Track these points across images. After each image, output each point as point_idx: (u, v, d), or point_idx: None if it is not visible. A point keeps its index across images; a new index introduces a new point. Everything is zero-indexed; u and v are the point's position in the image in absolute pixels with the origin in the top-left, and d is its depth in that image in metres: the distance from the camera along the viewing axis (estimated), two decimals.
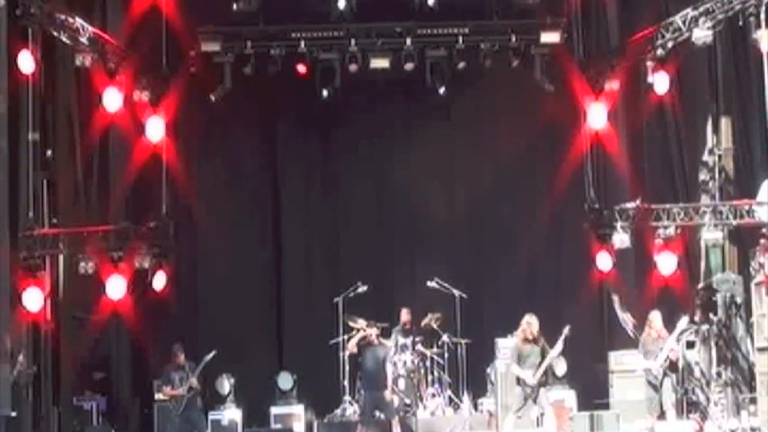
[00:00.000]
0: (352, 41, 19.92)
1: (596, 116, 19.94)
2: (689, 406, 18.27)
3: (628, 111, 20.62)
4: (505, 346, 18.25)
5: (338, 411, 19.39)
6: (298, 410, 19.46)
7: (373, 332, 17.39)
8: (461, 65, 20.11)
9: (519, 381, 16.06)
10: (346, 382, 19.56)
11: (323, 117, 21.50)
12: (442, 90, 20.43)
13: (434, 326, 19.76)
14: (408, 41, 19.90)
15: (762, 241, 17.60)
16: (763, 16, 17.48)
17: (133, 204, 20.23)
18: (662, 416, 17.04)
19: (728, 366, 18.15)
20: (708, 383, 18.48)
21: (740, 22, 18.12)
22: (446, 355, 19.74)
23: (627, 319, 20.05)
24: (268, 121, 21.89)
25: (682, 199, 20.01)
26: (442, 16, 19.77)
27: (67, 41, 18.28)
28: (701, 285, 19.38)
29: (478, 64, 20.12)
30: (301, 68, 20.15)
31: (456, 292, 19.84)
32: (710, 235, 19.25)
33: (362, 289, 19.69)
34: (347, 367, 19.49)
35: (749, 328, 17.98)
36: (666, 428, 16.96)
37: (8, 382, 16.35)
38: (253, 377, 20.06)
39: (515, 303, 20.30)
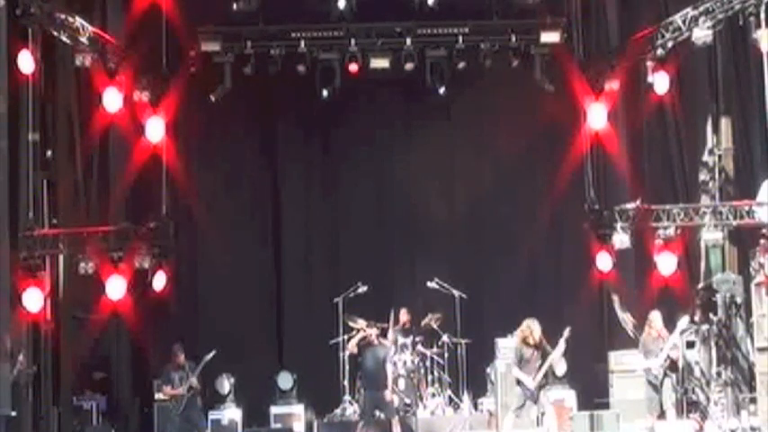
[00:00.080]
0: (352, 41, 19.91)
1: (596, 116, 19.95)
2: (689, 406, 18.26)
3: (628, 111, 20.62)
4: (505, 346, 18.27)
5: (338, 411, 19.40)
6: (298, 410, 19.45)
7: (373, 332, 17.40)
8: (461, 65, 20.11)
9: (519, 382, 16.08)
10: (346, 382, 19.56)
11: (323, 117, 21.50)
12: (442, 90, 20.43)
13: (434, 326, 19.76)
14: (408, 41, 19.90)
15: (762, 241, 17.60)
16: (763, 16, 17.48)
17: (133, 204, 20.22)
18: (662, 415, 17.05)
19: (728, 366, 18.15)
20: (708, 383, 18.48)
21: (740, 22, 18.12)
22: (446, 355, 19.74)
23: (627, 319, 20.05)
24: (268, 121, 21.88)
25: (682, 199, 20.02)
26: (442, 16, 19.77)
27: (67, 41, 18.28)
28: (700, 285, 19.39)
29: (478, 64, 20.11)
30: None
31: (456, 293, 19.84)
32: (710, 235, 19.27)
33: (362, 289, 19.69)
34: (347, 367, 19.49)
35: (749, 328, 17.98)
36: (666, 428, 16.97)
37: (8, 381, 16.35)
38: (253, 377, 20.06)
39: (515, 303, 20.41)
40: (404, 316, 19.62)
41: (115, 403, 19.67)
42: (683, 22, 18.78)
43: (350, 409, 19.24)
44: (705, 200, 19.80)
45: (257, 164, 21.87)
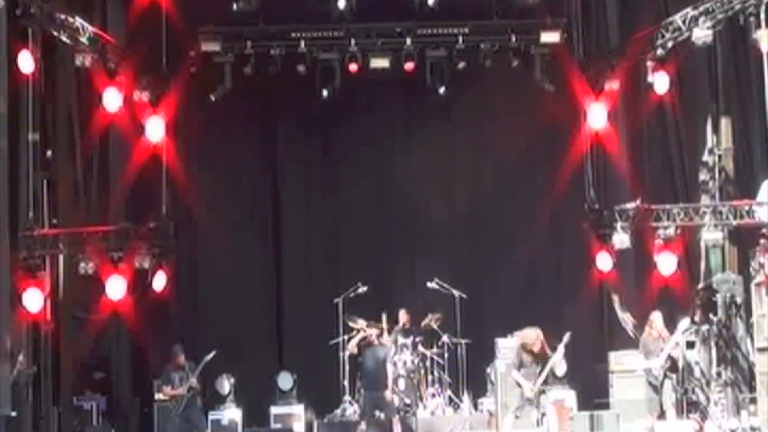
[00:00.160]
0: (352, 41, 19.91)
1: (596, 116, 19.95)
2: (689, 406, 18.25)
3: (628, 111, 20.62)
4: (505, 346, 18.30)
5: (338, 411, 19.39)
6: (298, 410, 19.44)
7: (374, 332, 17.39)
8: (461, 65, 20.11)
9: (518, 383, 16.09)
10: (346, 382, 19.56)
11: (323, 117, 21.50)
12: (442, 90, 20.43)
13: (434, 326, 19.75)
14: (408, 41, 19.90)
15: (762, 241, 17.60)
16: (763, 16, 17.49)
17: (133, 204, 20.23)
18: (662, 416, 17.04)
19: (728, 366, 18.14)
20: (708, 383, 18.47)
21: (740, 22, 18.12)
22: (446, 355, 19.73)
23: (627, 319, 20.05)
24: (268, 121, 21.88)
25: (682, 199, 20.02)
26: (442, 16, 19.76)
27: (67, 41, 18.28)
28: (701, 285, 19.37)
29: (478, 64, 20.11)
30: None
31: (456, 293, 19.84)
32: (710, 235, 19.27)
33: (362, 289, 19.69)
34: (347, 367, 19.49)
35: (749, 328, 17.98)
36: (666, 428, 16.97)
37: (8, 382, 16.34)
38: (253, 377, 20.05)
39: (515, 303, 20.43)
40: (403, 316, 19.62)
41: (115, 403, 19.68)
42: (683, 22, 18.78)
43: (350, 409, 19.23)
44: (705, 200, 19.80)
45: (257, 164, 21.87)
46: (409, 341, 19.38)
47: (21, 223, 17.40)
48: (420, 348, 19.54)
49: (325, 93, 20.39)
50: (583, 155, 20.32)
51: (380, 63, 20.18)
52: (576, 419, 17.90)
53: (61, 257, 18.70)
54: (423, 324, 19.72)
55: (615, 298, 20.34)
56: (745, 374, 18.19)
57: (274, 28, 19.94)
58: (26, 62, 17.17)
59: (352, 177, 21.75)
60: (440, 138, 21.78)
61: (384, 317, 19.04)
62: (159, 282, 19.51)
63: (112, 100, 18.91)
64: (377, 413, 17.26)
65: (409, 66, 19.98)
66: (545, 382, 16.19)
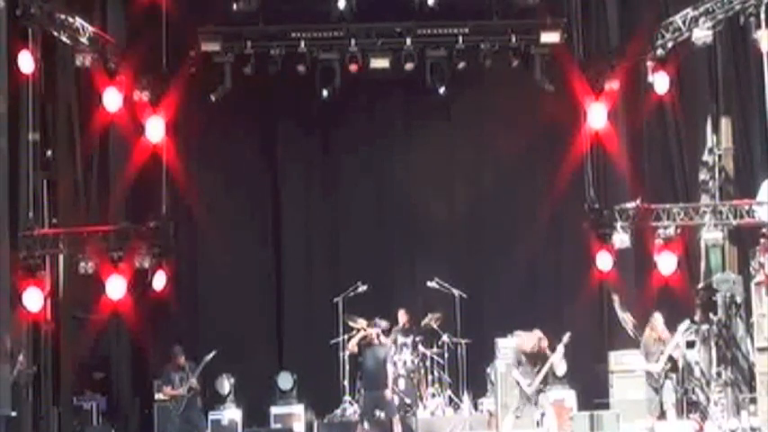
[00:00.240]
0: (352, 41, 19.90)
1: (596, 116, 19.94)
2: (689, 406, 18.27)
3: (628, 111, 20.61)
4: (505, 346, 18.27)
5: (338, 411, 19.39)
6: (298, 410, 19.45)
7: (374, 332, 17.39)
8: (461, 65, 20.09)
9: (518, 382, 16.10)
10: (346, 382, 19.56)
11: (323, 117, 21.50)
12: (442, 90, 20.41)
13: (434, 326, 19.76)
14: (408, 41, 19.89)
15: (762, 241, 17.60)
16: (763, 16, 17.49)
17: (133, 204, 20.23)
18: (662, 416, 17.04)
19: (728, 366, 18.16)
20: (708, 383, 18.48)
21: (740, 22, 18.12)
22: (446, 355, 19.73)
23: (627, 319, 20.05)
24: (268, 121, 21.88)
25: (682, 199, 20.02)
26: (442, 16, 19.76)
27: (67, 41, 18.29)
28: (701, 285, 19.39)
29: (478, 64, 20.10)
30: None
31: (456, 292, 19.84)
32: (710, 235, 19.27)
33: (362, 289, 19.70)
34: (347, 367, 19.49)
35: (749, 328, 17.98)
36: (666, 428, 16.96)
37: (8, 382, 16.34)
38: (253, 377, 20.06)
39: (515, 303, 20.44)
40: (402, 317, 19.62)
41: (115, 403, 19.68)
42: (683, 22, 18.78)
43: (350, 409, 19.23)
44: (705, 199, 19.80)
45: (257, 164, 21.87)
46: (409, 341, 19.39)
47: (21, 223, 17.40)
48: (420, 348, 19.54)
49: (325, 93, 20.39)
50: (583, 155, 20.32)
51: (380, 63, 20.17)
52: (575, 419, 17.90)
53: (61, 257, 18.71)
54: (423, 324, 19.73)
55: (615, 298, 20.34)
56: (745, 374, 18.20)
57: (274, 28, 19.94)
58: (26, 62, 17.17)
59: (352, 177, 21.75)
60: (440, 138, 21.78)
61: (383, 323, 19.02)
62: (159, 282, 19.50)
63: (112, 100, 18.91)
64: (377, 413, 17.26)
65: (409, 66, 19.97)
66: (545, 382, 16.21)
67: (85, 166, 19.67)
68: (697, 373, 18.68)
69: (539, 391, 15.97)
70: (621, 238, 19.44)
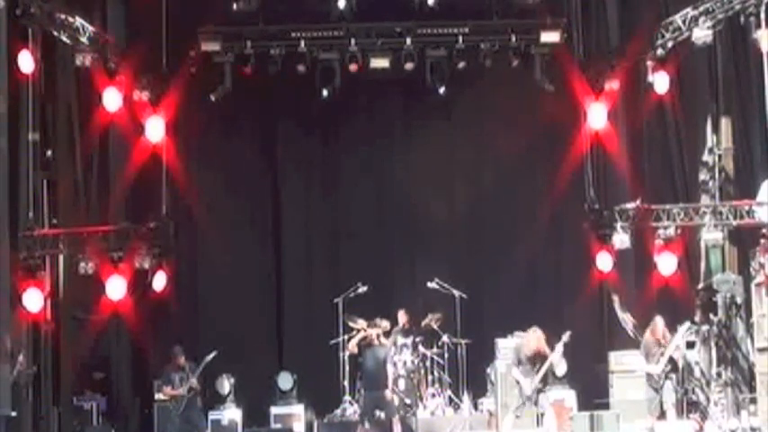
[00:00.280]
0: (352, 41, 19.91)
1: (596, 116, 19.95)
2: (689, 406, 18.26)
3: (628, 111, 20.61)
4: (505, 346, 18.30)
5: (338, 411, 19.40)
6: (298, 410, 19.45)
7: (375, 332, 17.39)
8: (461, 65, 20.10)
9: (518, 382, 16.11)
10: (346, 382, 19.57)
11: (323, 117, 21.50)
12: (442, 90, 20.42)
13: (434, 326, 19.75)
14: (408, 41, 19.89)
15: (762, 241, 17.59)
16: (763, 16, 17.48)
17: (133, 204, 20.23)
18: (662, 416, 17.04)
19: (728, 366, 18.16)
20: (708, 383, 18.48)
21: (740, 22, 18.12)
22: (446, 355, 19.73)
23: (627, 319, 20.04)
24: (268, 121, 21.88)
25: (682, 199, 20.02)
26: (442, 16, 19.77)
27: (67, 41, 18.28)
28: (701, 286, 19.39)
29: (478, 64, 20.11)
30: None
31: (456, 293, 19.84)
32: (710, 235, 19.27)
33: (362, 289, 19.69)
34: (347, 367, 19.49)
35: (749, 328, 17.99)
36: (666, 428, 16.95)
37: (8, 382, 16.33)
38: (253, 377, 20.06)
39: (515, 303, 20.43)
40: (402, 317, 19.62)
41: (115, 403, 19.68)
42: (683, 22, 18.78)
43: (350, 409, 19.24)
44: (705, 200, 19.80)
45: (257, 164, 21.86)
46: (409, 341, 19.38)
47: (21, 223, 17.39)
48: (420, 348, 19.54)
49: (325, 93, 20.39)
50: (583, 155, 20.33)
51: (380, 63, 20.18)
52: (575, 419, 17.91)
53: (61, 257, 18.70)
54: (423, 324, 19.73)
55: (615, 298, 20.33)
56: (745, 374, 18.20)
57: (274, 28, 19.94)
58: (26, 62, 17.17)
59: (352, 177, 21.75)
60: (440, 138, 21.77)
61: (384, 323, 19.02)
62: (159, 282, 19.52)
63: (112, 100, 18.91)
64: (377, 413, 17.25)
65: (409, 66, 19.97)
66: (545, 382, 16.21)
67: (85, 166, 19.67)
68: (697, 373, 18.68)
69: (538, 391, 15.97)
70: (621, 239, 19.45)
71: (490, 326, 19.85)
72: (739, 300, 18.18)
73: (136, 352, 20.26)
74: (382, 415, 17.22)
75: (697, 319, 18.84)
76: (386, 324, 18.17)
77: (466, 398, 19.51)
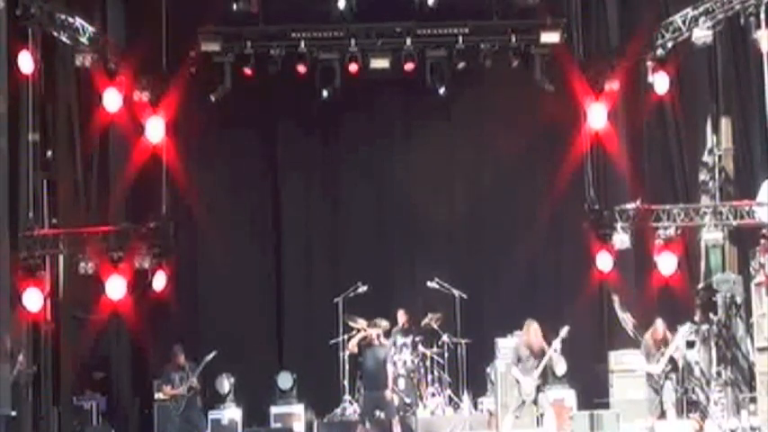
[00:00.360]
0: (352, 41, 19.92)
1: (596, 116, 19.96)
2: (689, 405, 18.26)
3: (628, 111, 20.62)
4: (505, 346, 18.31)
5: (338, 411, 19.40)
6: (298, 410, 19.45)
7: (374, 332, 17.39)
8: (461, 65, 20.11)
9: (518, 381, 16.11)
10: (346, 382, 19.57)
11: (323, 117, 21.50)
12: (442, 90, 20.43)
13: (434, 326, 19.76)
14: (408, 41, 19.90)
15: (762, 242, 17.59)
16: (763, 16, 17.45)
17: (133, 204, 20.25)
18: (662, 415, 17.04)
19: (728, 366, 18.17)
20: (708, 383, 18.49)
21: (740, 22, 18.12)
22: (446, 355, 19.73)
23: (627, 319, 20.05)
24: (268, 122, 21.88)
25: (682, 199, 20.01)
26: (442, 16, 19.77)
27: (67, 41, 18.28)
28: (701, 285, 19.39)
29: (478, 64, 20.11)
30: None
31: (456, 293, 19.84)
32: (711, 235, 19.27)
33: (362, 289, 19.69)
34: (347, 367, 19.50)
35: (749, 328, 17.99)
36: (666, 428, 16.95)
37: (8, 382, 16.33)
38: (253, 377, 20.06)
39: (515, 303, 20.42)
40: (401, 317, 19.62)
41: (115, 403, 19.68)
42: (683, 22, 18.77)
43: (350, 409, 19.24)
44: (705, 200, 19.79)
45: (257, 164, 21.88)
46: (409, 341, 19.39)
47: (21, 223, 17.39)
48: (420, 348, 19.54)
49: (325, 93, 20.40)
50: (583, 155, 20.34)
51: (380, 63, 20.19)
52: (575, 419, 17.91)
53: (61, 257, 18.70)
54: (423, 324, 19.73)
55: (615, 298, 20.34)
56: (745, 374, 18.21)
57: (274, 28, 19.95)
58: (26, 62, 17.16)
59: (352, 177, 21.76)
60: (440, 138, 21.78)
61: (384, 323, 19.02)
62: (159, 282, 19.52)
63: (112, 100, 18.91)
64: (377, 413, 17.25)
65: (409, 66, 19.97)
66: (544, 381, 16.19)
67: (85, 166, 19.67)
68: (697, 372, 18.68)
69: (538, 389, 15.95)
70: (621, 239, 19.45)
71: (490, 326, 19.86)
72: (739, 299, 18.19)
73: (136, 352, 20.27)
74: (382, 415, 17.22)
75: (697, 318, 18.85)
76: (386, 324, 18.16)
77: (466, 397, 19.51)
